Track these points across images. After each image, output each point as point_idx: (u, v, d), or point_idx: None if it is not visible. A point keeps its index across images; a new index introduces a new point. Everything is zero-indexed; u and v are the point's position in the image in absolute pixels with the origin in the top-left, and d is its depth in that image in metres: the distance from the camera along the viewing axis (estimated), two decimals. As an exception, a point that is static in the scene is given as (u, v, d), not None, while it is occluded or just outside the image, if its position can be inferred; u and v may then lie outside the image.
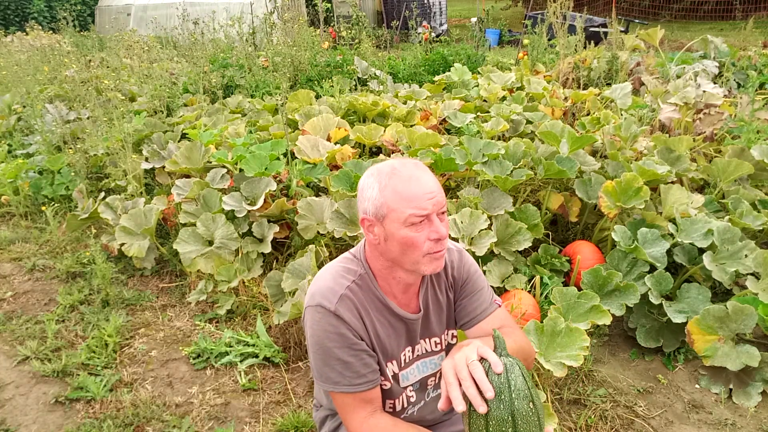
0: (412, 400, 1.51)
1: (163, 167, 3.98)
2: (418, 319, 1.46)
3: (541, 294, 2.88)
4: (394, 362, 1.45)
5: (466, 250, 2.84)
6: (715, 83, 4.96)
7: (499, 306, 1.52)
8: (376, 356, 1.40)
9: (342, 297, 1.34)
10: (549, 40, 6.80)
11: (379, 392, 1.41)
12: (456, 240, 2.85)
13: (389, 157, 3.67)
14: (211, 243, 3.24)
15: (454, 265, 1.51)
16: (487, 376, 1.10)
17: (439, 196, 1.29)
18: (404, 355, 1.47)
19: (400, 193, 1.27)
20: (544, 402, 2.13)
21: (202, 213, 3.28)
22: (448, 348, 1.55)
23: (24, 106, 6.05)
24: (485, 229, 2.92)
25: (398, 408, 1.49)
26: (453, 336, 1.55)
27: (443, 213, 1.31)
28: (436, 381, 1.56)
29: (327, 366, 1.34)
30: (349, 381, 1.34)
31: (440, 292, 1.50)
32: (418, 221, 1.27)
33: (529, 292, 2.86)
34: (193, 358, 2.79)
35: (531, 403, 1.10)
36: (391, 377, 1.44)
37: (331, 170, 3.46)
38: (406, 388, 1.49)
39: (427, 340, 1.50)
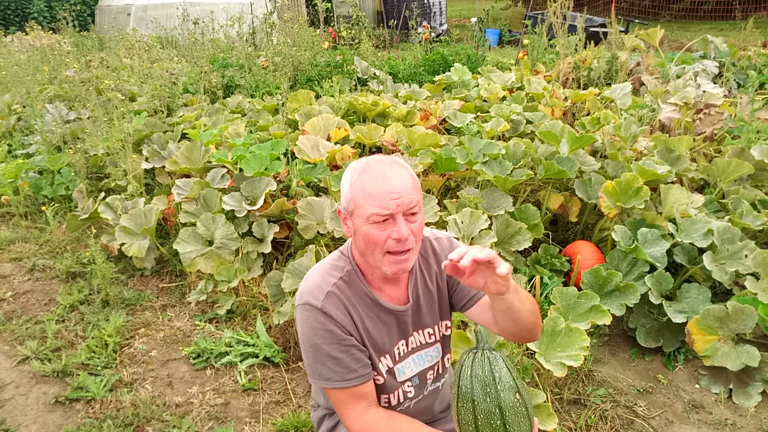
0: (410, 395, 1.51)
1: (163, 167, 3.98)
2: (407, 311, 1.46)
3: (541, 294, 2.88)
4: (388, 357, 1.45)
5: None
6: (715, 83, 4.96)
7: None
8: (367, 351, 1.40)
9: (329, 294, 1.36)
10: (549, 40, 6.80)
11: (373, 387, 1.42)
12: (456, 240, 2.85)
13: (389, 157, 3.67)
14: (211, 243, 3.24)
15: (446, 252, 1.51)
16: (471, 372, 1.10)
17: (406, 197, 1.29)
18: (398, 348, 1.47)
19: (365, 190, 1.30)
20: (544, 402, 2.13)
21: (202, 213, 3.29)
22: (443, 339, 1.55)
23: (24, 106, 6.05)
24: (485, 229, 2.93)
25: (393, 403, 1.49)
26: (447, 327, 1.55)
27: (414, 213, 1.31)
28: (435, 374, 1.56)
29: (318, 363, 1.36)
30: (340, 377, 1.35)
31: (430, 282, 1.50)
32: (380, 220, 1.28)
33: (529, 292, 2.86)
34: (193, 358, 2.79)
35: (517, 393, 1.11)
36: (385, 372, 1.45)
37: (331, 170, 3.46)
38: (403, 383, 1.49)
39: (420, 331, 1.51)
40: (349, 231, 1.38)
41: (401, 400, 1.50)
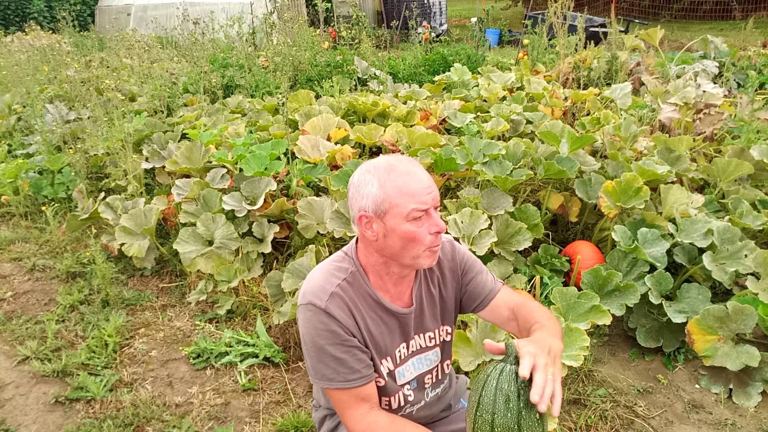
0: (410, 399, 1.51)
1: (164, 167, 3.98)
2: (410, 314, 1.46)
3: (541, 294, 2.88)
4: (389, 359, 1.45)
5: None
6: (715, 83, 4.96)
7: (502, 284, 1.57)
8: (369, 353, 1.40)
9: (333, 295, 1.35)
10: (549, 40, 6.79)
11: (375, 389, 1.42)
12: (457, 240, 2.85)
13: (389, 157, 3.67)
14: (211, 243, 3.24)
15: (448, 257, 1.53)
16: (497, 384, 1.11)
17: (435, 191, 1.34)
18: (399, 351, 1.47)
19: (401, 188, 1.30)
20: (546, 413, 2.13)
21: (202, 213, 3.28)
22: (443, 344, 1.55)
23: (24, 106, 6.05)
24: (485, 229, 2.93)
25: (394, 406, 1.49)
26: (447, 332, 1.55)
27: (436, 208, 1.35)
28: (433, 380, 1.56)
29: (321, 363, 1.36)
30: (343, 377, 1.35)
31: (433, 287, 1.50)
32: (419, 216, 1.30)
33: (529, 292, 2.86)
34: (193, 358, 2.79)
35: (538, 413, 1.11)
36: (386, 374, 1.44)
37: (331, 170, 3.46)
38: (403, 386, 1.49)
39: (421, 335, 1.51)
40: (374, 234, 1.34)
41: (402, 403, 1.50)
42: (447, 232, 2.91)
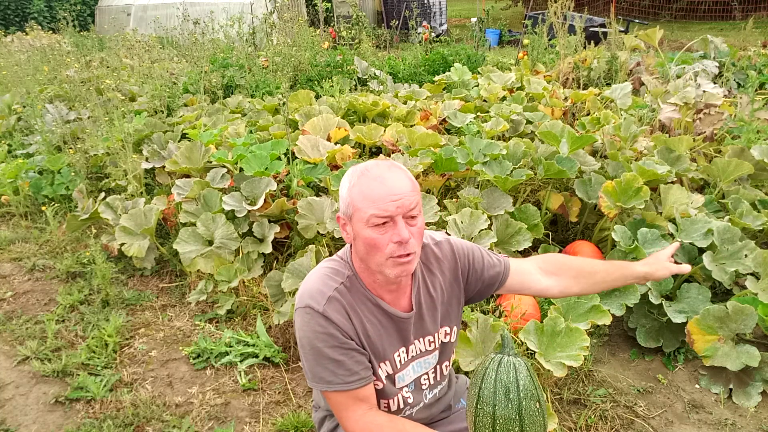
0: (410, 401, 1.51)
1: (164, 167, 3.98)
2: (410, 318, 1.45)
3: (541, 294, 2.88)
4: (388, 363, 1.44)
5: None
6: (715, 83, 4.96)
7: (505, 256, 1.60)
8: (367, 354, 1.40)
9: (330, 298, 1.35)
10: (549, 40, 6.80)
11: (373, 390, 1.41)
12: (454, 238, 2.85)
13: (389, 156, 3.68)
14: (211, 243, 3.24)
15: (448, 257, 1.51)
16: (496, 376, 1.11)
17: (406, 199, 1.28)
18: (398, 356, 1.46)
19: (364, 192, 1.29)
20: (544, 402, 2.13)
21: (202, 213, 3.28)
22: (442, 346, 1.54)
23: (24, 106, 6.05)
24: (485, 229, 2.93)
25: (393, 408, 1.49)
26: (446, 333, 1.54)
27: (413, 217, 1.30)
28: (431, 381, 1.55)
29: (319, 366, 1.35)
30: (341, 379, 1.34)
31: (433, 290, 1.49)
32: (380, 222, 1.27)
33: (529, 292, 2.86)
34: (193, 358, 2.79)
35: (537, 402, 1.11)
36: (384, 378, 1.44)
37: (331, 170, 3.46)
38: (401, 388, 1.49)
39: (421, 339, 1.50)
40: (348, 237, 1.36)
41: (402, 405, 1.50)
42: (447, 233, 2.92)
